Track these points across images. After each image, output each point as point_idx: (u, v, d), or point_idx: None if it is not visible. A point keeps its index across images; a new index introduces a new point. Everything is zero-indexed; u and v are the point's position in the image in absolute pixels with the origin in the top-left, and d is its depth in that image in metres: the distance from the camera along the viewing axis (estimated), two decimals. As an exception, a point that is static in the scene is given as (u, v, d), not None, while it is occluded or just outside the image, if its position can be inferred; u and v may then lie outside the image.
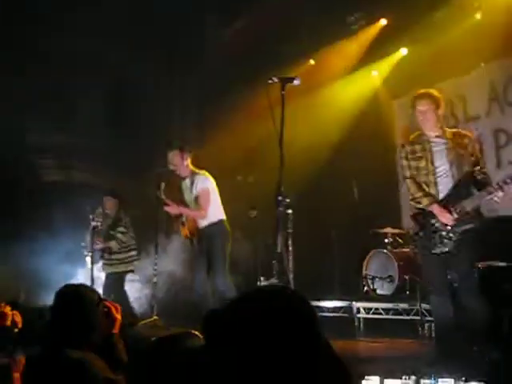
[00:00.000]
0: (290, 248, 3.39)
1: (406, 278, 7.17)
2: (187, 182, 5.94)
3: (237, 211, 6.66)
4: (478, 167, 4.61)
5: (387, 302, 7.18)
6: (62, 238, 7.78)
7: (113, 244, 7.55)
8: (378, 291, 7.49)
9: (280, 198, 3.35)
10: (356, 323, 7.24)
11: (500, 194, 4.28)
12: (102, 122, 9.70)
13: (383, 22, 8.88)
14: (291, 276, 3.40)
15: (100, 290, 7.32)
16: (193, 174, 5.90)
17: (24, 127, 9.48)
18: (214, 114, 9.73)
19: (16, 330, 3.27)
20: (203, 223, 5.77)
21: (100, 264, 7.64)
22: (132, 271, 7.69)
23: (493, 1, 7.53)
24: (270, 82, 3.64)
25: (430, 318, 6.27)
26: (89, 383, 2.36)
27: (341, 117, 8.90)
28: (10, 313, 3.46)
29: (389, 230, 7.71)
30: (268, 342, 1.21)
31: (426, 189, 4.63)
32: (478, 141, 4.96)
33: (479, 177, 4.54)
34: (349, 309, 7.43)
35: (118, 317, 2.92)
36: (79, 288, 2.74)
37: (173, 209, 5.84)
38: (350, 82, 9.22)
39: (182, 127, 10.89)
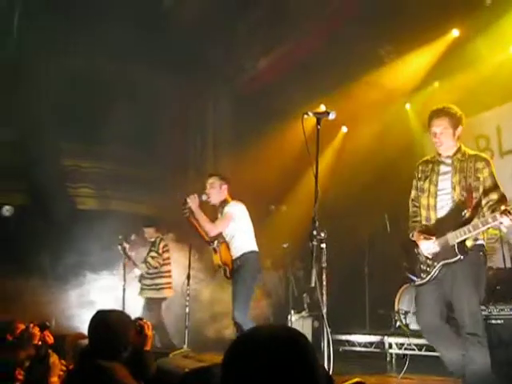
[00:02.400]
0: (324, 282, 3.37)
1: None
2: (220, 211, 5.87)
3: (269, 241, 6.62)
4: (484, 197, 4.02)
5: (420, 337, 7.04)
6: (97, 265, 7.87)
7: (142, 267, 7.60)
8: (411, 326, 7.36)
9: (315, 232, 3.35)
10: (388, 358, 7.11)
11: (505, 221, 3.70)
12: (136, 149, 9.85)
13: (417, 54, 8.91)
14: (324, 310, 3.37)
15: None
16: (226, 202, 5.81)
17: (60, 153, 9.69)
18: (248, 143, 9.81)
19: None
20: (236, 254, 5.68)
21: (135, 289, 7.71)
22: (164, 299, 7.68)
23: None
24: (305, 116, 3.66)
25: (464, 355, 6.13)
26: None
27: (374, 150, 8.90)
28: (38, 333, 4.09)
29: (422, 263, 7.61)
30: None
31: (424, 212, 4.22)
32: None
33: (485, 208, 3.99)
34: (381, 344, 7.32)
35: (150, 334, 3.39)
36: (109, 313, 3.16)
37: (192, 201, 5.64)
38: (383, 115, 9.24)
39: (215, 156, 11.00)
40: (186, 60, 9.00)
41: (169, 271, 7.79)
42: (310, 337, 7.79)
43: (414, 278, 4.20)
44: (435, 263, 4.06)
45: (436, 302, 4.09)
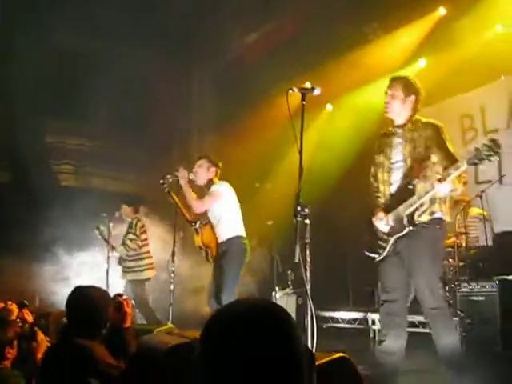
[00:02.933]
0: (308, 259, 3.37)
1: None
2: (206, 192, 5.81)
3: (254, 219, 6.61)
4: (431, 162, 3.87)
5: (424, 317, 7.11)
6: (79, 244, 7.83)
7: (120, 250, 7.54)
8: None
9: (299, 208, 3.34)
10: (371, 335, 7.19)
11: (441, 188, 3.66)
12: (120, 127, 9.78)
13: (401, 32, 8.88)
14: (308, 286, 3.37)
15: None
16: (212, 183, 5.76)
17: (44, 129, 9.59)
18: (232, 122, 9.77)
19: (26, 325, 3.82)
20: (222, 238, 5.60)
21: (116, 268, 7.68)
22: (148, 279, 7.66)
23: (513, 12, 7.48)
24: (290, 91, 3.62)
25: (446, 332, 6.21)
26: (89, 364, 2.80)
27: (359, 127, 8.89)
28: (15, 310, 4.14)
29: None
30: (249, 369, 1.22)
31: (382, 187, 4.14)
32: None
33: (429, 174, 3.83)
34: (364, 320, 7.39)
35: (129, 311, 3.36)
36: (87, 289, 3.12)
37: (182, 173, 5.60)
38: (368, 92, 9.21)
39: (199, 133, 10.95)
40: (170, 40, 8.90)
41: (148, 251, 7.74)
42: (293, 314, 7.84)
43: (372, 255, 4.16)
44: (389, 238, 4.02)
45: (398, 275, 4.02)
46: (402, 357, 4.03)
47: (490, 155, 3.46)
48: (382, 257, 4.08)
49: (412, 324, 6.96)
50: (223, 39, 9.50)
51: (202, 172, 5.78)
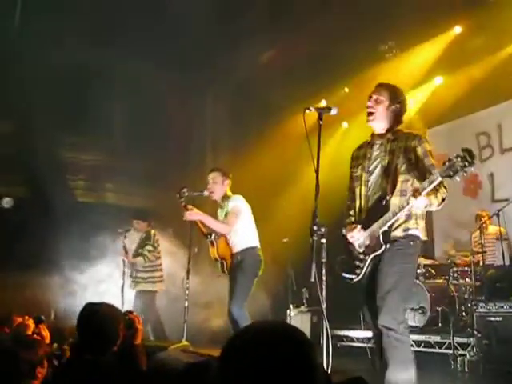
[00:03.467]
0: (324, 278, 3.36)
1: (439, 309, 7.05)
2: (223, 207, 5.84)
3: (269, 236, 6.61)
4: (416, 178, 3.62)
5: (419, 334, 7.06)
6: (95, 258, 7.87)
7: (139, 260, 7.60)
8: (410, 323, 7.36)
9: (315, 227, 3.33)
10: (386, 354, 7.11)
11: (416, 203, 3.42)
12: (135, 143, 9.85)
13: (418, 50, 8.89)
14: (324, 305, 3.36)
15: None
16: (228, 196, 5.76)
17: (57, 144, 9.69)
18: (248, 140, 9.80)
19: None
20: (237, 248, 5.64)
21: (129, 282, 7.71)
22: (157, 292, 7.70)
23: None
24: (307, 111, 3.62)
25: (462, 352, 6.15)
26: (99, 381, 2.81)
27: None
28: (32, 325, 4.14)
29: (421, 260, 7.61)
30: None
31: (357, 203, 3.86)
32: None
33: (404, 189, 3.61)
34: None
35: (140, 327, 3.30)
36: (98, 306, 3.09)
37: (192, 214, 5.55)
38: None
39: (214, 150, 10.98)
40: (184, 54, 8.97)
41: (161, 264, 7.82)
42: (308, 332, 7.80)
43: (348, 276, 3.86)
44: (366, 257, 3.75)
45: (370, 298, 3.72)
46: None
47: (465, 166, 3.18)
48: (359, 277, 3.81)
49: (428, 344, 6.90)
50: (237, 58, 9.56)
51: (218, 187, 5.78)
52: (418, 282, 7.38)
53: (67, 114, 9.06)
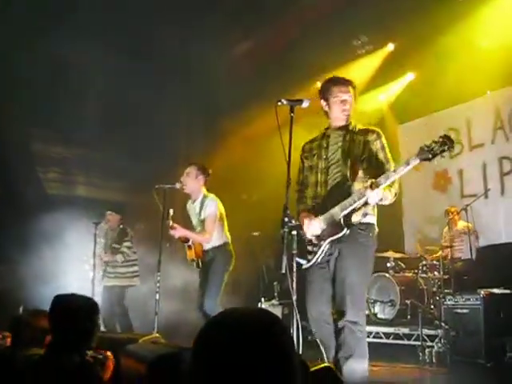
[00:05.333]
0: (294, 269, 3.38)
1: (408, 302, 7.16)
2: (196, 204, 5.89)
3: (240, 230, 6.65)
4: (372, 170, 3.76)
5: (388, 326, 7.17)
6: (65, 252, 7.79)
7: (119, 257, 7.58)
8: (379, 315, 7.47)
9: (286, 219, 3.36)
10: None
11: (371, 195, 3.53)
12: (106, 135, 9.77)
13: (390, 46, 8.98)
14: (294, 297, 3.38)
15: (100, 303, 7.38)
16: (204, 197, 5.84)
17: (28, 136, 9.54)
18: (220, 132, 9.79)
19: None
20: (207, 246, 5.75)
21: (99, 276, 7.65)
22: (133, 286, 7.70)
23: (499, 29, 7.59)
24: (279, 103, 3.64)
25: (430, 344, 6.25)
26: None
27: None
28: None
29: (391, 254, 7.72)
30: (239, 370, 1.21)
31: (313, 190, 3.95)
32: None
33: (366, 179, 3.68)
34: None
35: (111, 366, 3.00)
36: (70, 298, 2.95)
37: (178, 232, 5.72)
38: (357, 105, 9.26)
39: (187, 142, 10.94)
40: (156, 46, 8.90)
41: (137, 259, 7.80)
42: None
43: (302, 261, 3.83)
44: (321, 242, 3.80)
45: (323, 289, 3.82)
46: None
47: (444, 150, 3.34)
48: (311, 263, 3.84)
49: (397, 336, 7.00)
50: (213, 49, 9.53)
51: (190, 180, 5.86)
52: (387, 275, 7.49)
53: (38, 106, 8.93)
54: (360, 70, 9.19)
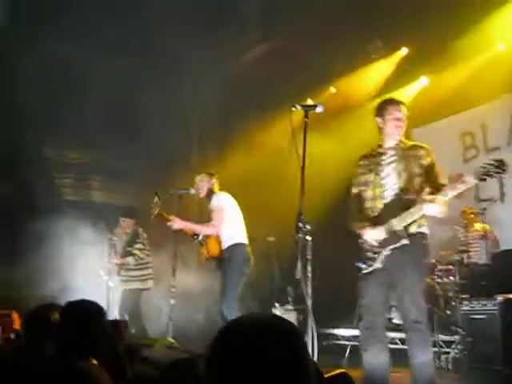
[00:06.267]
0: (309, 275, 3.38)
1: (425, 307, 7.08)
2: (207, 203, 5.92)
3: (254, 235, 6.64)
4: (426, 184, 4.10)
5: (404, 331, 7.09)
6: (80, 257, 7.83)
7: (130, 260, 7.62)
8: (395, 321, 7.40)
9: (300, 224, 3.36)
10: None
11: (429, 209, 3.88)
12: (122, 141, 9.82)
13: (404, 50, 8.94)
14: (309, 302, 3.37)
15: (116, 307, 7.44)
16: (212, 194, 5.86)
17: (42, 143, 9.62)
18: (234, 137, 9.80)
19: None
20: (224, 245, 5.72)
21: (116, 281, 7.68)
22: (148, 289, 7.72)
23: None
24: (293, 109, 3.66)
25: (447, 350, 6.19)
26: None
27: (361, 144, 8.90)
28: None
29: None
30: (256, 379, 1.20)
31: (371, 203, 4.21)
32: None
33: (427, 193, 4.03)
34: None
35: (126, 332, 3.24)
36: (80, 304, 2.99)
37: (176, 223, 5.72)
38: (370, 110, 9.24)
39: (200, 148, 10.97)
40: (167, 51, 8.93)
41: (151, 262, 7.83)
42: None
43: (361, 266, 4.18)
44: (382, 250, 4.08)
45: (379, 294, 4.08)
46: (386, 371, 4.04)
47: (498, 173, 3.70)
48: (372, 268, 4.11)
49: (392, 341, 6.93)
50: (226, 53, 9.55)
51: (204, 185, 5.95)
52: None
53: (54, 112, 8.99)
54: (374, 74, 9.16)
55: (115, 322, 3.27)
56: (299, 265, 3.25)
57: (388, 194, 4.15)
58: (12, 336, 4.29)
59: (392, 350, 6.71)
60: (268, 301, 8.62)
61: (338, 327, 7.77)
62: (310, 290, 3.38)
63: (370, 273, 4.12)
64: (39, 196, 8.59)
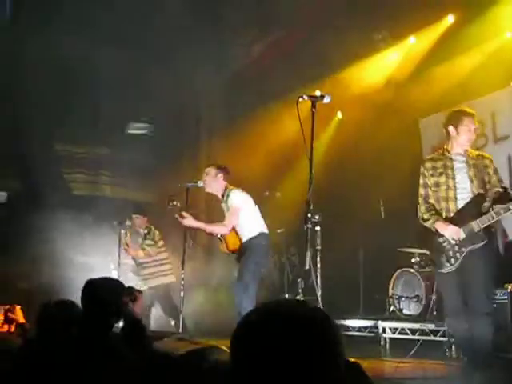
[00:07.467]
0: (319, 265, 3.38)
1: (433, 298, 7.08)
2: (223, 204, 5.89)
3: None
4: (498, 187, 4.59)
5: (414, 322, 7.09)
6: (90, 252, 7.87)
7: (140, 254, 7.65)
8: (405, 311, 7.41)
9: (309, 215, 3.36)
10: (382, 343, 7.15)
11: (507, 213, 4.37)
12: (130, 136, 9.84)
13: (412, 40, 8.89)
14: (319, 293, 3.38)
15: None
16: (226, 192, 5.85)
17: (52, 137, 9.65)
18: (242, 130, 9.79)
19: None
20: (243, 240, 5.74)
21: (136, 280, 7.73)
22: (168, 284, 7.76)
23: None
24: (300, 99, 3.65)
25: (457, 340, 6.17)
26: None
27: (368, 135, 8.89)
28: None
29: (416, 249, 7.63)
30: (290, 363, 1.15)
31: (444, 204, 4.64)
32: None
33: (496, 195, 4.53)
34: (374, 328, 7.36)
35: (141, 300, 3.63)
36: (99, 281, 3.23)
37: (187, 221, 5.76)
38: (380, 100, 9.21)
39: (209, 141, 10.97)
40: (176, 44, 8.93)
41: (168, 258, 7.87)
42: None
43: (447, 265, 4.54)
44: (463, 249, 4.46)
45: (458, 287, 4.52)
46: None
47: None
48: (454, 267, 4.51)
49: (423, 332, 6.94)
50: (233, 45, 9.54)
51: (210, 179, 5.97)
52: (412, 270, 7.42)
53: (62, 107, 9.03)
54: (381, 63, 9.12)
55: (129, 290, 3.45)
56: (308, 255, 3.26)
57: (461, 197, 4.57)
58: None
59: (401, 341, 6.78)
60: (278, 292, 8.64)
61: (347, 318, 7.76)
62: (319, 281, 3.39)
63: (450, 272, 4.54)
64: (48, 191, 8.64)
